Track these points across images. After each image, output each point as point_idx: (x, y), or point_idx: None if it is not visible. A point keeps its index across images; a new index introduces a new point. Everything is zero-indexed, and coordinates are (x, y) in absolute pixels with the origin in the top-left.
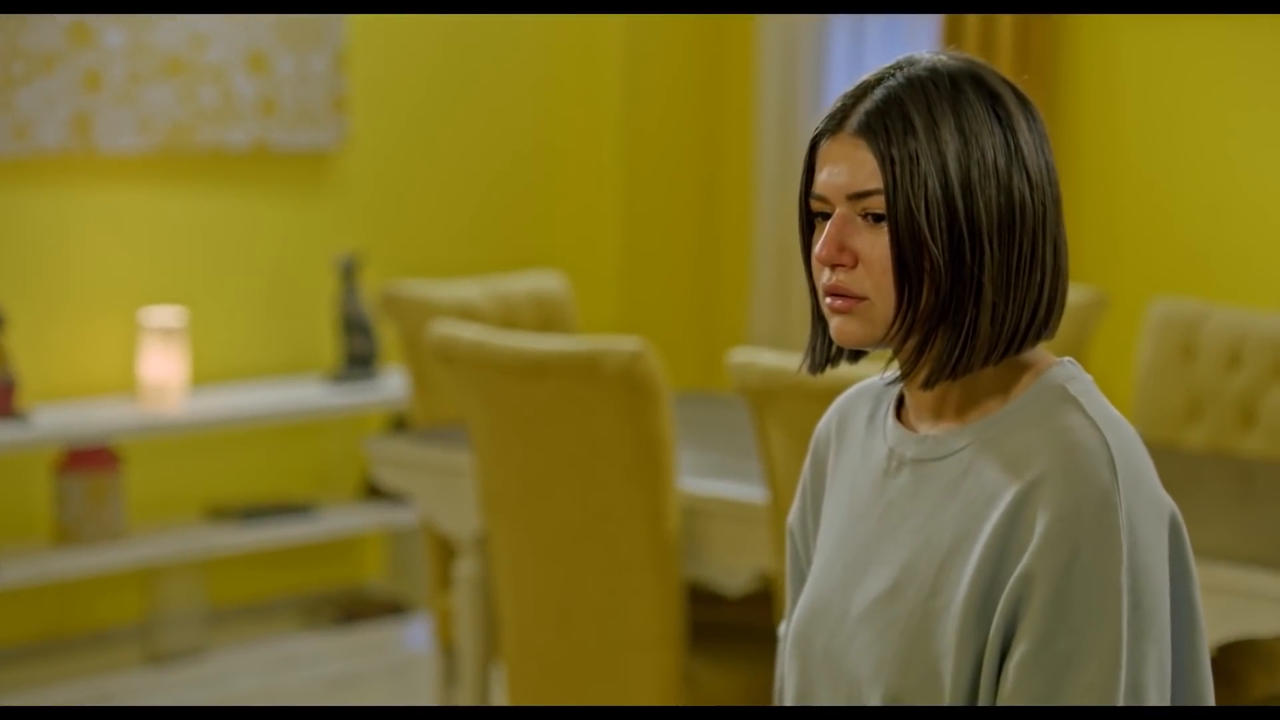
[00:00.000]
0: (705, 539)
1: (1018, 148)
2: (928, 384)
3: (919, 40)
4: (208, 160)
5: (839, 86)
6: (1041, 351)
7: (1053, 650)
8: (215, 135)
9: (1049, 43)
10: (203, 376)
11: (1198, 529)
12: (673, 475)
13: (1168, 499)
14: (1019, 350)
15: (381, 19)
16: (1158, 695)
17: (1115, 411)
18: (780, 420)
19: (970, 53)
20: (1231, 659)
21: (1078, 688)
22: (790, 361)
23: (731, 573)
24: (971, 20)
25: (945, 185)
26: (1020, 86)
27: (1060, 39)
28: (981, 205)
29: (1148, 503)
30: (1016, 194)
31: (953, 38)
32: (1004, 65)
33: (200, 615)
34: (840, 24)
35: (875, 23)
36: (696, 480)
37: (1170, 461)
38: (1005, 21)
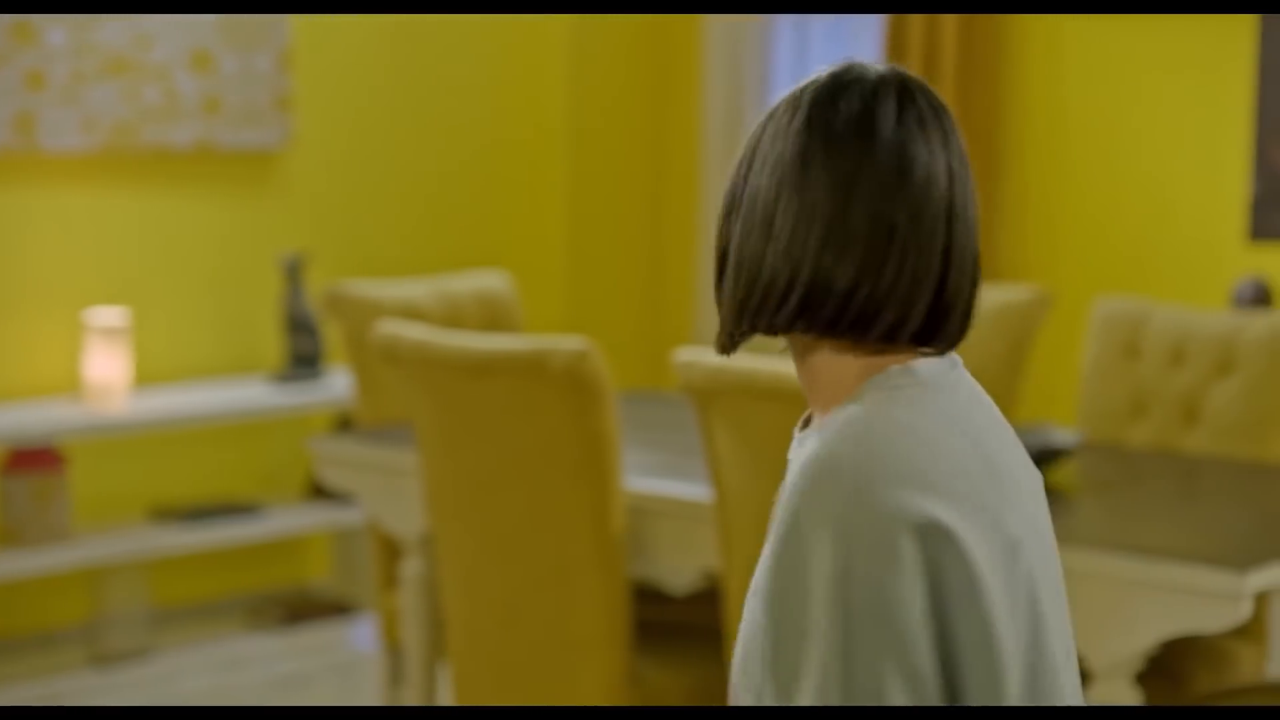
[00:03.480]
0: (651, 538)
1: (780, 149)
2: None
3: (863, 41)
4: (151, 159)
5: (784, 86)
6: (885, 361)
7: (767, 636)
8: (159, 134)
9: (992, 43)
10: (148, 377)
11: (1141, 526)
12: (618, 474)
13: (919, 511)
14: (748, 332)
15: (326, 19)
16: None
17: (895, 420)
18: (726, 419)
19: (915, 52)
20: (1175, 656)
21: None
22: (735, 361)
23: (678, 572)
24: (915, 21)
25: (729, 199)
26: (850, 92)
27: (1004, 40)
28: (743, 201)
29: (872, 515)
30: (758, 183)
31: (897, 38)
32: (948, 66)
33: (145, 616)
34: (785, 25)
35: (820, 23)
36: (642, 479)
37: (1114, 459)
38: (949, 22)
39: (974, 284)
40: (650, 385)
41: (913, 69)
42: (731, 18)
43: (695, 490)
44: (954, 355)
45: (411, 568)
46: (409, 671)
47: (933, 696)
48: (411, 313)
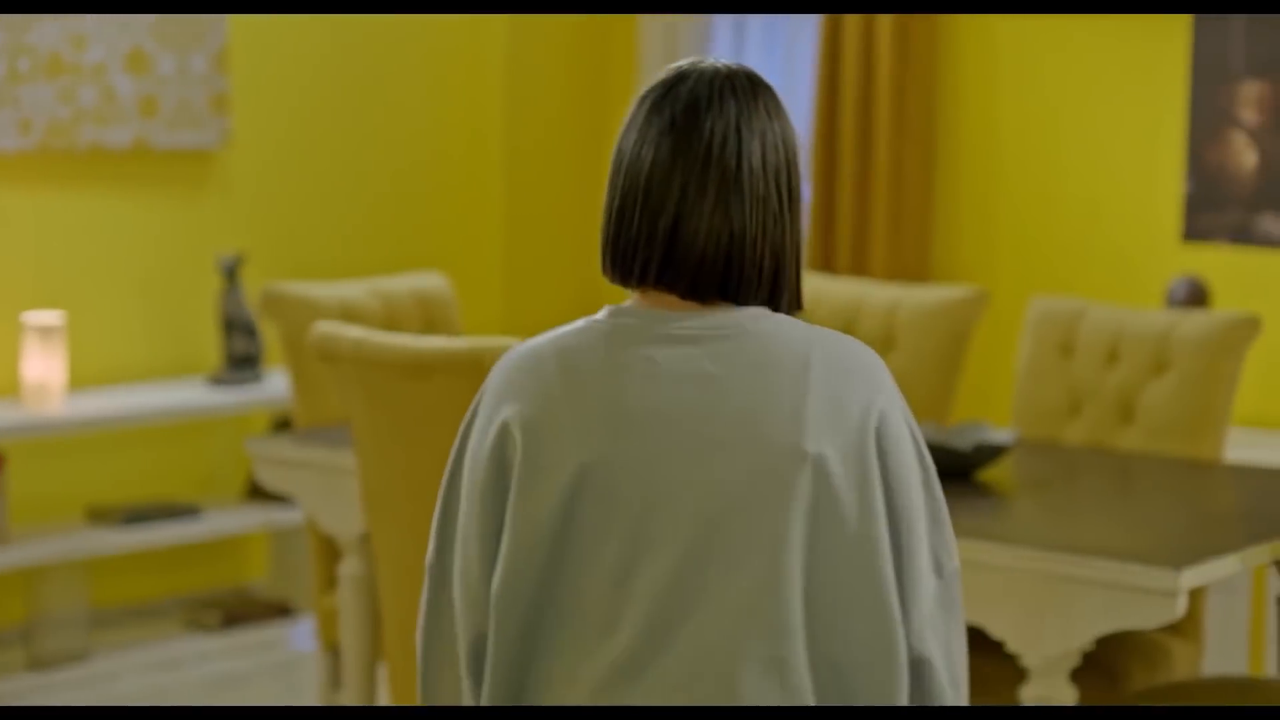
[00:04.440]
0: None
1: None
2: None
3: (800, 40)
4: (88, 160)
5: None
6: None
7: None
8: (96, 135)
9: (927, 44)
10: (86, 378)
11: (1077, 524)
12: None
13: (509, 412)
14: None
15: (262, 20)
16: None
17: (540, 345)
18: None
19: (851, 53)
20: (1111, 652)
21: None
22: None
23: None
24: (851, 20)
25: None
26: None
27: (938, 41)
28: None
29: (485, 410)
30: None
31: (832, 38)
32: (883, 66)
33: (83, 618)
34: (722, 24)
35: (756, 23)
36: None
37: (1050, 456)
38: (884, 22)
39: (741, 241)
40: None
41: (849, 70)
42: (668, 20)
43: None
44: (729, 319)
45: (349, 567)
46: (347, 672)
47: (488, 526)
48: (349, 314)
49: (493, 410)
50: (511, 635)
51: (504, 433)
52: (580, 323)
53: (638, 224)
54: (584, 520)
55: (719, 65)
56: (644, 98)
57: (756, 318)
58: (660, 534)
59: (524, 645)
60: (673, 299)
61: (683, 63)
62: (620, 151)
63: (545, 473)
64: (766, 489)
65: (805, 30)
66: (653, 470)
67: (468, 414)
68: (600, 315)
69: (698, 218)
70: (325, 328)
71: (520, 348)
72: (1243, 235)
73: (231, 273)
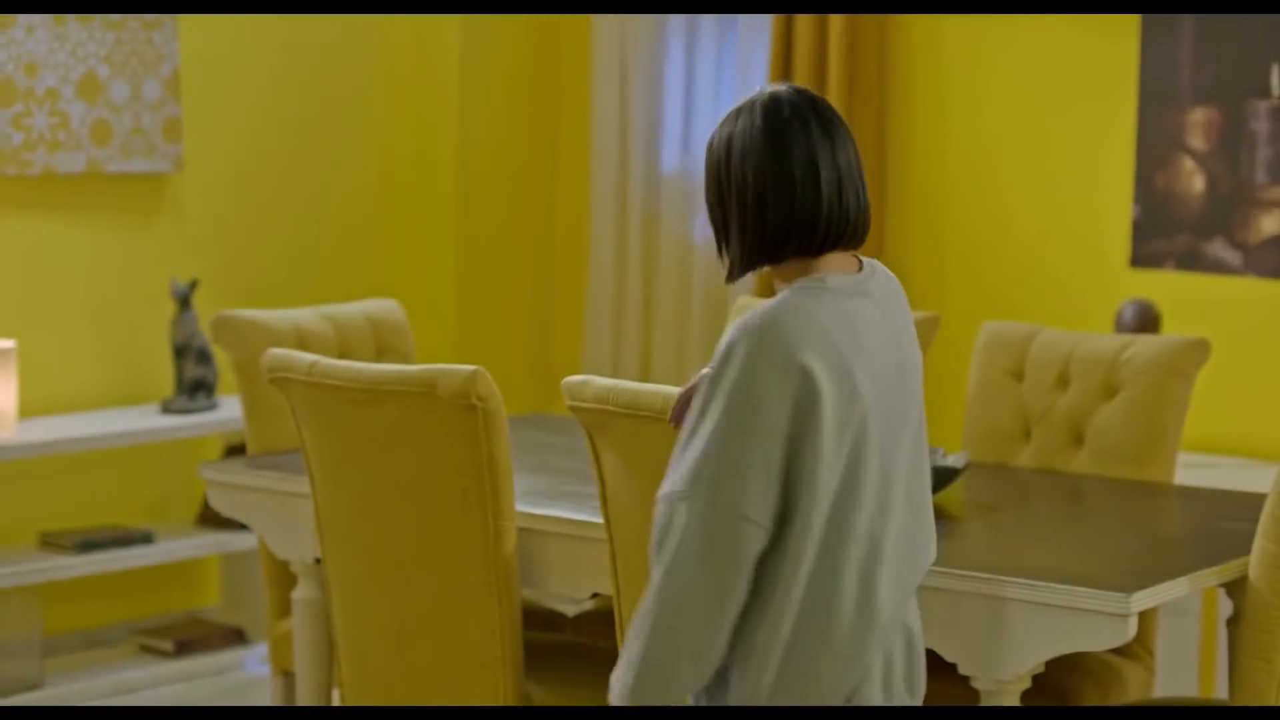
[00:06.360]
0: (542, 561)
1: (738, 140)
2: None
3: (754, 40)
4: (41, 186)
5: (675, 95)
6: (807, 271)
7: (688, 428)
8: (48, 161)
9: (877, 60)
10: (39, 405)
11: (1027, 547)
12: (511, 498)
13: (802, 359)
14: (754, 265)
15: (215, 46)
16: (707, 477)
17: (794, 305)
18: (612, 442)
19: (804, 52)
20: (1062, 674)
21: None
22: (623, 384)
23: (570, 595)
24: (802, 20)
25: (707, 167)
26: (775, 110)
27: (888, 58)
28: (712, 175)
29: (772, 352)
30: (723, 169)
31: (784, 38)
32: (834, 74)
33: (36, 645)
34: (677, 27)
35: (710, 28)
36: (533, 503)
37: (1001, 480)
38: (835, 22)
39: (857, 210)
40: (540, 414)
41: (799, 73)
42: (621, 39)
43: (586, 514)
44: (868, 271)
45: (302, 593)
46: (300, 698)
47: (775, 472)
48: (302, 339)
49: (784, 356)
50: (816, 543)
51: (798, 371)
52: (791, 292)
53: (827, 202)
54: (870, 427)
55: (792, 87)
56: (769, 120)
57: (875, 269)
58: (896, 451)
59: (824, 552)
60: (834, 257)
61: (761, 93)
62: (783, 155)
63: (841, 395)
64: (918, 399)
65: (758, 30)
66: (885, 398)
67: (732, 374)
68: (805, 283)
69: (853, 189)
70: (278, 353)
71: (778, 313)
72: (1190, 261)
73: (185, 299)
